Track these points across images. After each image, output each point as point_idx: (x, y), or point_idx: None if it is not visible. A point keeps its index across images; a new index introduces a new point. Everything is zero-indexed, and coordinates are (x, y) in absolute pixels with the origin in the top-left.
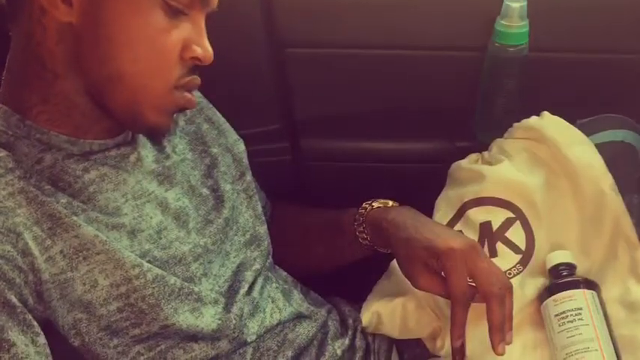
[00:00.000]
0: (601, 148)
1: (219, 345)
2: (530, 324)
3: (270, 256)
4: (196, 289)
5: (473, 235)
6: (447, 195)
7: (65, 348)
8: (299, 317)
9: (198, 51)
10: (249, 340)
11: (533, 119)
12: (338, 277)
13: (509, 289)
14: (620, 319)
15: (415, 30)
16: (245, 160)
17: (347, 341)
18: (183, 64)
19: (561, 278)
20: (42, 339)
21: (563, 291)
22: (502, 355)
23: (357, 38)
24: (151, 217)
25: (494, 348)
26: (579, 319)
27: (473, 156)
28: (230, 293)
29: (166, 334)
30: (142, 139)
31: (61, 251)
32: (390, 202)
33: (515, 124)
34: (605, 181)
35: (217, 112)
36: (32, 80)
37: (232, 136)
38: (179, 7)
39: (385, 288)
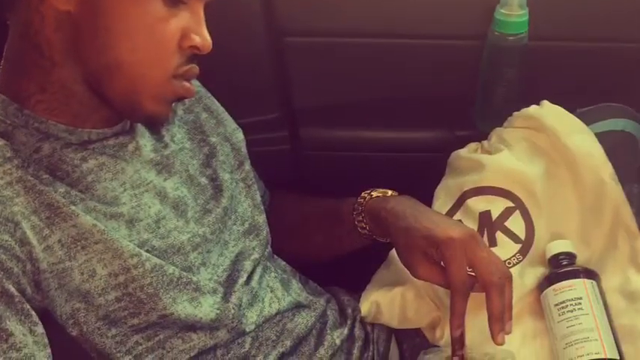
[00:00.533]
0: (601, 137)
1: (217, 335)
2: (530, 313)
3: (269, 246)
4: (195, 279)
5: (472, 225)
6: (447, 184)
7: (63, 337)
8: (298, 307)
9: (197, 40)
10: (247, 329)
11: (533, 108)
12: (337, 266)
13: (509, 278)
14: (620, 309)
15: (414, 18)
16: (244, 149)
17: (346, 331)
18: (181, 53)
19: (561, 268)
20: (40, 328)
21: (563, 280)
22: (502, 344)
23: (356, 27)
24: (150, 207)
25: (493, 338)
26: (579, 308)
27: (472, 145)
28: (229, 283)
29: (165, 323)
30: (141, 128)
31: (59, 240)
32: (389, 192)
33: (515, 113)
34: (605, 170)
35: (216, 101)
36: (30, 69)
37: (231, 125)
38: None
39: (384, 277)
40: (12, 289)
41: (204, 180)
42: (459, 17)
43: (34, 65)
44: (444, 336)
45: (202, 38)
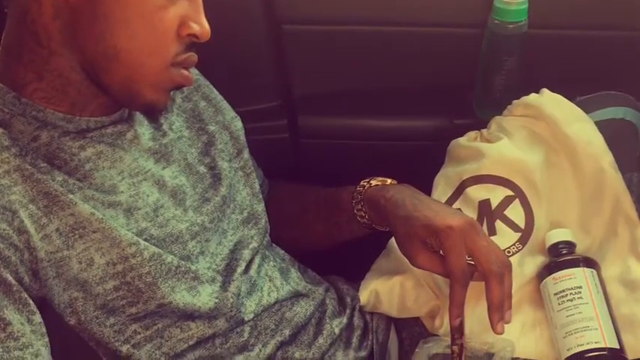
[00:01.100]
0: (601, 125)
1: (216, 324)
2: (530, 303)
3: (268, 234)
4: (193, 268)
5: (472, 213)
6: (446, 173)
7: (61, 327)
8: (297, 296)
9: (195, 28)
10: (246, 318)
11: (533, 96)
12: (336, 255)
13: (509, 267)
14: (620, 298)
15: (414, 6)
16: (242, 138)
17: (345, 320)
18: (180, 42)
19: (561, 256)
20: (38, 317)
21: (562, 269)
22: (501, 334)
23: (355, 15)
24: (148, 195)
25: (493, 327)
26: (579, 297)
27: (472, 133)
28: (227, 272)
29: (163, 312)
30: (139, 116)
31: (57, 229)
32: (389, 180)
33: (515, 102)
34: (605, 158)
35: (214, 90)
36: (28, 57)
37: (229, 113)
38: None
39: (383, 266)
40: (9, 277)
41: (202, 168)
42: (458, 5)
43: (31, 53)
44: (443, 325)
45: (201, 26)
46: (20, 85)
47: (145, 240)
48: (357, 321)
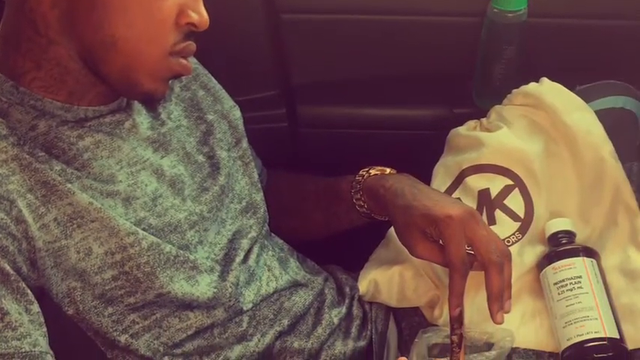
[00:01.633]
0: (601, 114)
1: (214, 313)
2: (529, 292)
3: (267, 224)
4: (192, 257)
5: (471, 203)
6: (445, 162)
7: (59, 316)
8: (295, 285)
9: (194, 16)
10: (245, 308)
11: (532, 85)
12: (335, 245)
13: (508, 257)
14: (619, 288)
15: None
16: (241, 127)
17: (344, 310)
18: (178, 30)
19: (561, 246)
20: (36, 307)
21: (562, 259)
22: (501, 323)
23: (354, 4)
24: (146, 185)
25: (492, 316)
26: (579, 287)
27: (471, 123)
28: (226, 261)
29: (161, 302)
30: (137, 105)
31: (55, 219)
32: (388, 169)
33: (514, 91)
34: (605, 147)
35: (213, 79)
36: (26, 46)
37: (228, 102)
38: None
39: (383, 256)
40: (7, 267)
41: (201, 158)
42: None
43: (29, 42)
44: (442, 315)
45: (199, 15)
46: (18, 74)
47: (144, 229)
48: (356, 311)
